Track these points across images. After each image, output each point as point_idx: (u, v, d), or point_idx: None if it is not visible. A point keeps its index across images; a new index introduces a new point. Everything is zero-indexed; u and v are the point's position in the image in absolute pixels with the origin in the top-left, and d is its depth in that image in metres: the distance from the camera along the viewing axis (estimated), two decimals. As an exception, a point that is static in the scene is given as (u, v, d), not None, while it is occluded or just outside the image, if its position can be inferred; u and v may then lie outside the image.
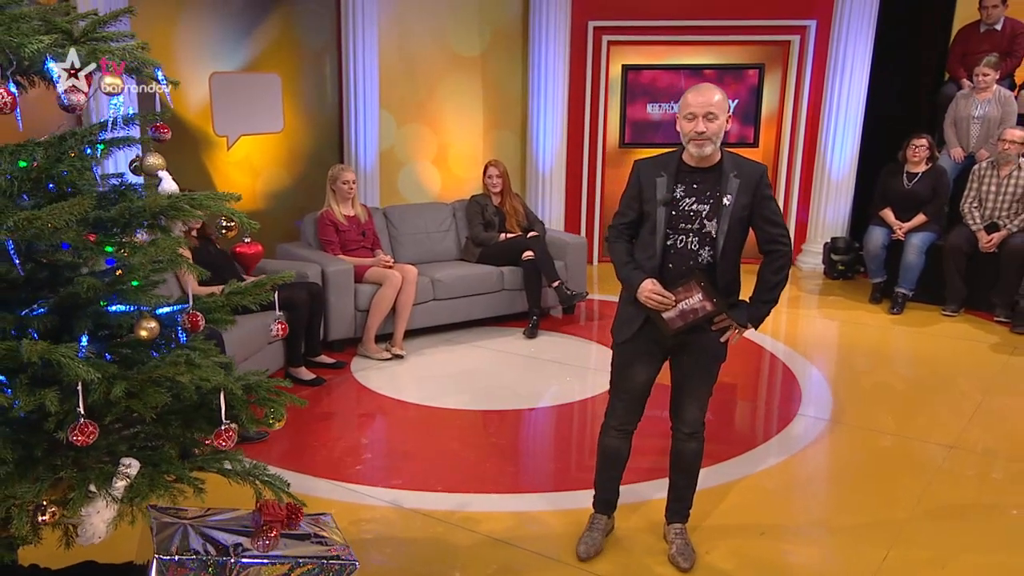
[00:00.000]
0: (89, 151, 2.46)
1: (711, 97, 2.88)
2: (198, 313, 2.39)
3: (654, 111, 7.99)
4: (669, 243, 2.97)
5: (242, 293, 2.61)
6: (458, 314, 6.06)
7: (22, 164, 2.31)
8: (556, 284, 6.05)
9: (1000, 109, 6.95)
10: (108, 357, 2.36)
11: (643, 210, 3.02)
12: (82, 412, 2.07)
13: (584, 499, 3.45)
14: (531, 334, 6.00)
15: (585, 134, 8.04)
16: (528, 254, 6.06)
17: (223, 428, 2.30)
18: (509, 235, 6.32)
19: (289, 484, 2.64)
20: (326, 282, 5.42)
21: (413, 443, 4.35)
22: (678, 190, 2.96)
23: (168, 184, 2.36)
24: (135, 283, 2.47)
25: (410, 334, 5.76)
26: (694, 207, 2.94)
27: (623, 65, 7.90)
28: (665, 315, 2.95)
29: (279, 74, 6.56)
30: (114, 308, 2.43)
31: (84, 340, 2.34)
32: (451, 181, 7.84)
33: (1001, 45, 7.34)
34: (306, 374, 5.08)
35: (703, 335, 3.03)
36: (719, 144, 2.94)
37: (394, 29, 7.15)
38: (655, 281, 2.95)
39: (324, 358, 5.33)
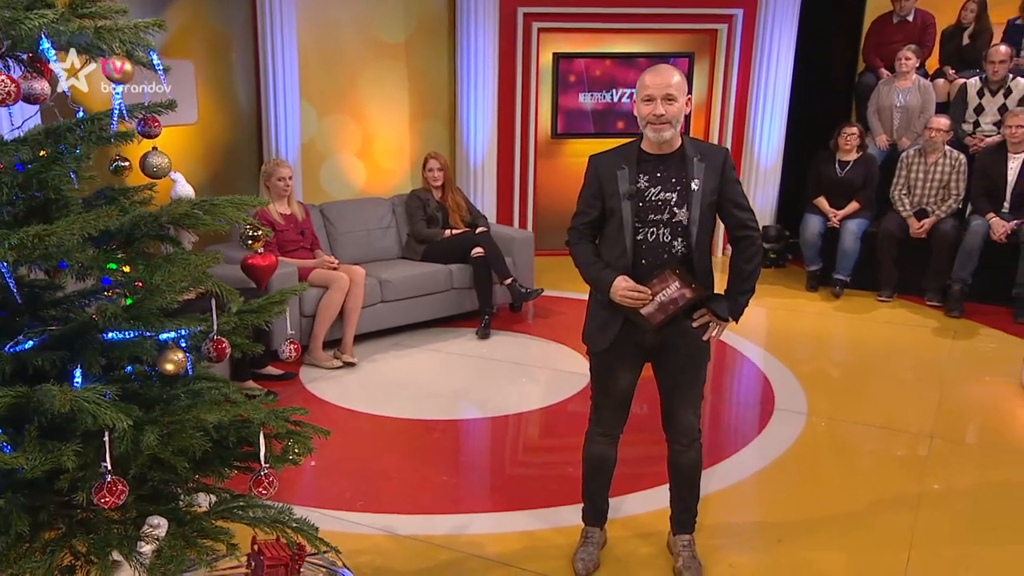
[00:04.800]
0: (64, 149, 2.08)
1: (669, 78, 2.73)
2: (223, 339, 2.04)
3: (586, 100, 7.80)
4: (639, 237, 2.79)
5: (256, 311, 2.27)
6: (407, 316, 5.72)
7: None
8: (509, 282, 5.77)
9: (921, 98, 7.13)
10: (108, 396, 1.98)
11: (605, 207, 2.83)
12: (108, 467, 1.71)
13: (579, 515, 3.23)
14: (483, 334, 5.73)
15: (516, 124, 7.77)
16: (478, 251, 5.77)
17: (263, 474, 1.96)
18: (454, 231, 6.03)
19: (318, 528, 2.32)
20: (268, 287, 4.98)
21: (385, 460, 4.02)
22: (642, 180, 2.77)
23: (183, 188, 2.00)
24: (128, 301, 2.09)
25: (358, 339, 5.38)
26: (662, 196, 2.76)
27: (554, 53, 7.68)
28: (643, 310, 2.77)
29: (191, 61, 6.04)
30: (110, 336, 2.05)
31: (78, 375, 1.96)
32: (377, 174, 7.45)
33: (913, 35, 7.56)
34: (255, 388, 4.65)
35: (684, 334, 2.86)
36: (679, 128, 2.77)
37: (313, 13, 6.71)
38: (627, 277, 2.77)
39: (271, 369, 4.92)
